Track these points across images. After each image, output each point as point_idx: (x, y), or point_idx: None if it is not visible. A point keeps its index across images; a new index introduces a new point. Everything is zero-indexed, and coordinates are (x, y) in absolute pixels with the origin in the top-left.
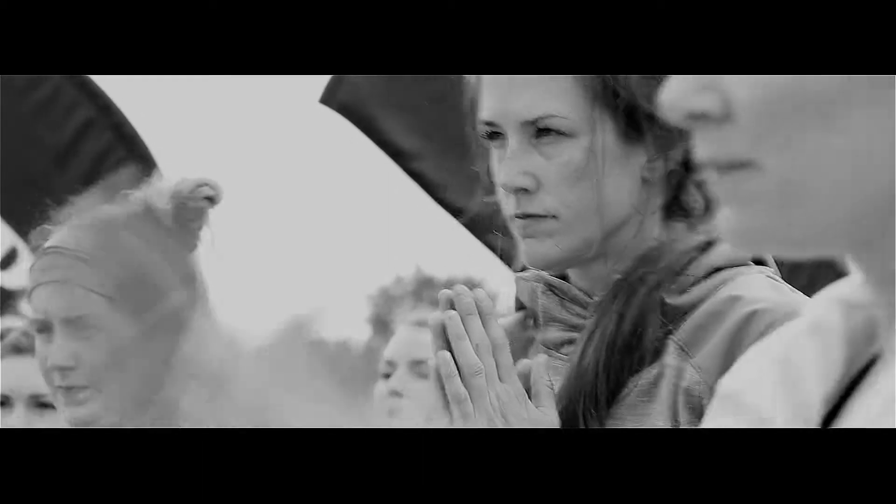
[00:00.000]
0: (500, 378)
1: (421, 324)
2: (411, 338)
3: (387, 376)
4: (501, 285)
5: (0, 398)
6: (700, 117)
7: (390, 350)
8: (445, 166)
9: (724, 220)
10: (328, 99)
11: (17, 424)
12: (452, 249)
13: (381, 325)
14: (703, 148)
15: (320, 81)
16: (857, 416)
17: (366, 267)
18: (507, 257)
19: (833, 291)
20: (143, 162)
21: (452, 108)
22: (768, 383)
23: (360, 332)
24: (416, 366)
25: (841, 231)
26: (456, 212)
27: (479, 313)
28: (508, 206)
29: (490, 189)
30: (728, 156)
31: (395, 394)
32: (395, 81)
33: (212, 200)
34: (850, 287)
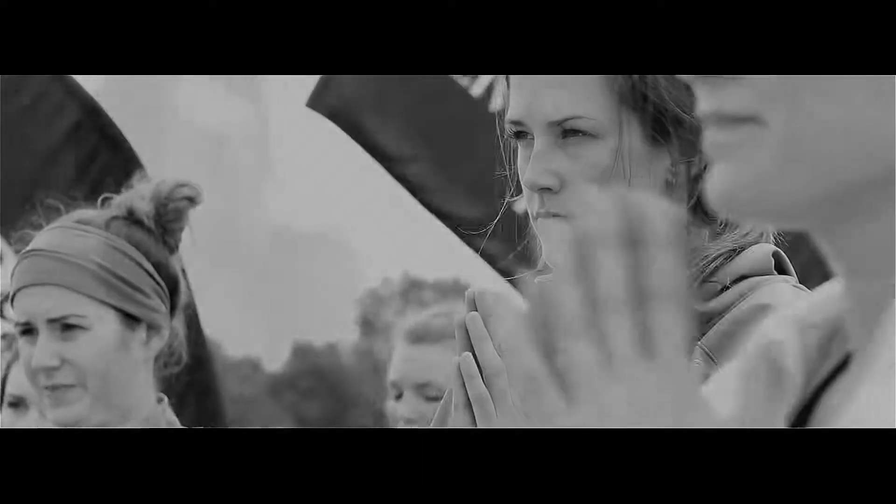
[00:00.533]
0: None
1: (418, 339)
2: (411, 357)
3: (397, 397)
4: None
5: (14, 400)
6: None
7: (394, 372)
8: (434, 170)
9: (714, 177)
10: (315, 103)
11: (32, 426)
12: (439, 252)
13: (369, 327)
14: (707, 101)
15: (308, 83)
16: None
17: (354, 269)
18: (492, 261)
19: (788, 311)
20: (129, 164)
21: (442, 113)
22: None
23: (348, 334)
24: (422, 388)
25: (828, 204)
26: (444, 216)
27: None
28: (532, 205)
29: (514, 189)
30: (734, 108)
31: (410, 422)
32: (384, 84)
33: (192, 201)
34: (806, 307)
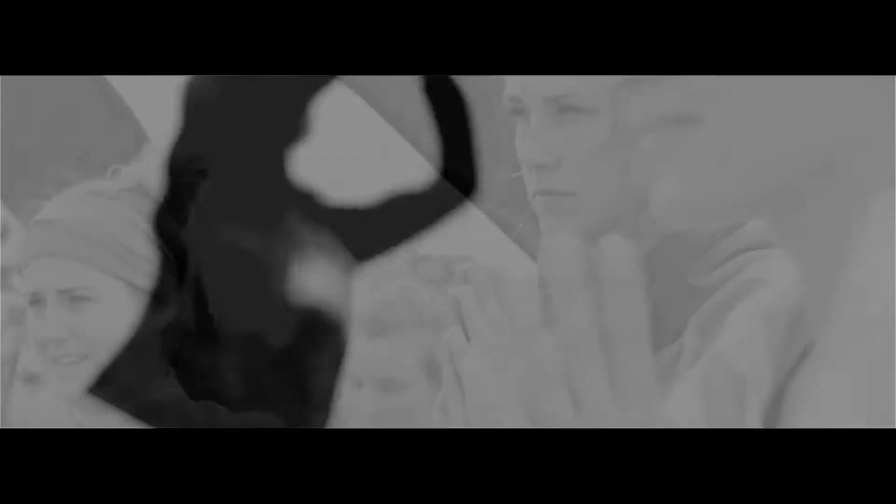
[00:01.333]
0: None
1: (377, 332)
2: (372, 352)
3: (356, 386)
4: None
5: (29, 376)
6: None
7: (353, 363)
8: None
9: (662, 189)
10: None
11: (47, 403)
12: (451, 227)
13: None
14: (642, 107)
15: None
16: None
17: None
18: (506, 229)
19: (753, 301)
20: (137, 138)
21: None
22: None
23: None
24: (384, 383)
25: (772, 198)
26: (461, 184)
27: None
28: (531, 181)
29: (516, 164)
30: (668, 110)
31: (373, 417)
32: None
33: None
34: (771, 295)
